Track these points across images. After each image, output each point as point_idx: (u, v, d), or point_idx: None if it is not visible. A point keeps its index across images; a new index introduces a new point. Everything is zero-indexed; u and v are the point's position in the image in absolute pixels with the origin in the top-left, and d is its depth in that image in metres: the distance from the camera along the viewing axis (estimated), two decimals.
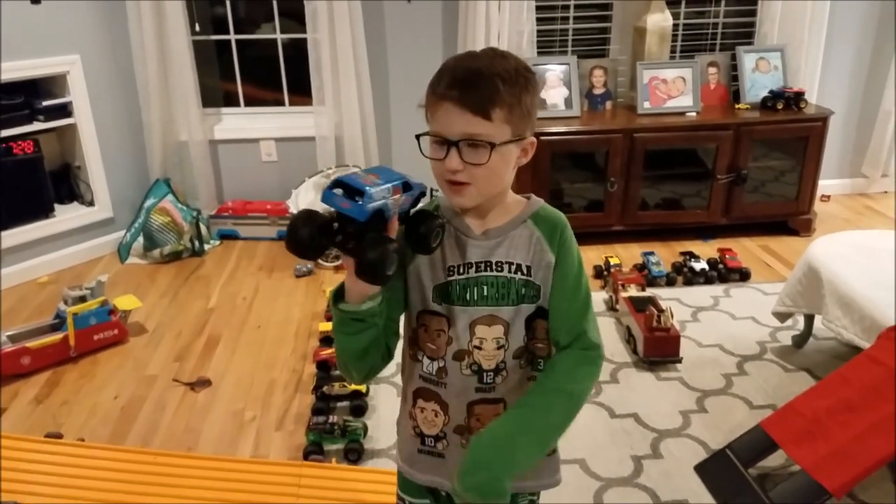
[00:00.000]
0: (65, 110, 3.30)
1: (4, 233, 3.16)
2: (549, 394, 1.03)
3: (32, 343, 2.49)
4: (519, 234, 1.07)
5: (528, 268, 1.06)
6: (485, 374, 1.07)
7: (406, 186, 0.99)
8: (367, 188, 0.91)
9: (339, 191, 0.92)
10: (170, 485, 1.59)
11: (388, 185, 0.94)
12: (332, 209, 0.92)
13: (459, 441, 1.10)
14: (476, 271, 1.06)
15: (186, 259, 3.51)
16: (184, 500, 1.55)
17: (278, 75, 3.85)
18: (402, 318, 1.14)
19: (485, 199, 1.04)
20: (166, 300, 3.11)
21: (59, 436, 1.80)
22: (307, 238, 0.93)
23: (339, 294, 1.01)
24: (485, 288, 1.06)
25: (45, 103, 3.23)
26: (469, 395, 1.09)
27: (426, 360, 1.09)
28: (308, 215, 0.95)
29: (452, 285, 1.06)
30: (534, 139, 1.05)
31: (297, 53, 3.77)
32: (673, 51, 3.86)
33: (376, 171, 0.98)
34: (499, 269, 1.06)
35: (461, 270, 1.06)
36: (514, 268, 1.06)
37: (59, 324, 2.61)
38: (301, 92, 3.83)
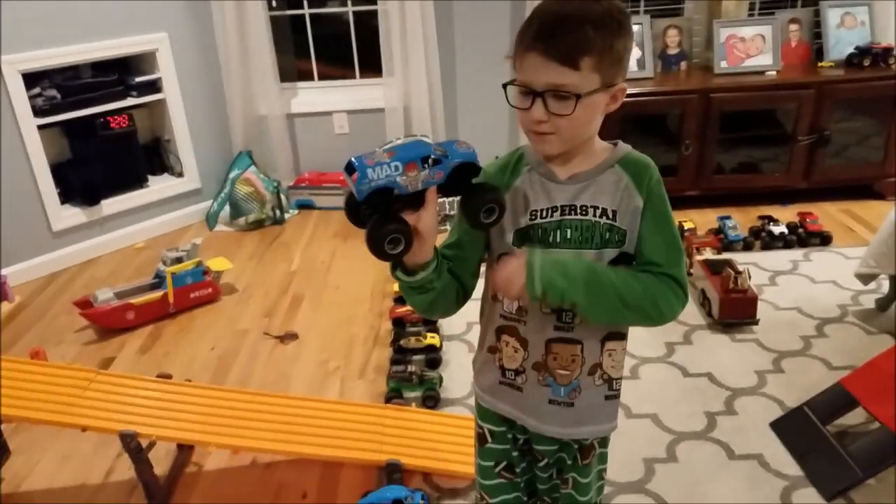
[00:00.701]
0: (154, 86, 3.50)
1: (105, 201, 3.40)
2: (628, 275, 1.06)
3: (136, 300, 2.71)
4: (605, 179, 1.07)
5: (614, 212, 1.06)
6: (563, 314, 1.10)
7: (430, 161, 0.96)
8: (367, 168, 0.92)
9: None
10: (267, 420, 1.73)
11: (396, 163, 0.94)
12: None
13: (537, 377, 1.14)
14: (561, 214, 1.07)
15: (268, 227, 3.70)
16: (279, 433, 1.69)
17: (349, 51, 3.95)
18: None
19: (570, 146, 1.04)
20: (253, 263, 3.29)
21: (169, 376, 1.97)
22: (347, 211, 1.00)
23: (396, 263, 1.04)
24: (568, 231, 1.07)
25: (137, 80, 3.43)
26: (547, 333, 1.12)
27: (506, 301, 1.13)
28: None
29: (535, 228, 1.08)
30: (624, 86, 1.04)
31: (366, 29, 3.86)
32: (752, 7, 3.74)
33: (403, 146, 0.96)
34: (583, 212, 1.06)
35: (545, 214, 1.07)
36: (598, 212, 1.06)
37: (158, 283, 2.82)
38: (370, 67, 3.93)
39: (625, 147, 1.11)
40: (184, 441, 1.76)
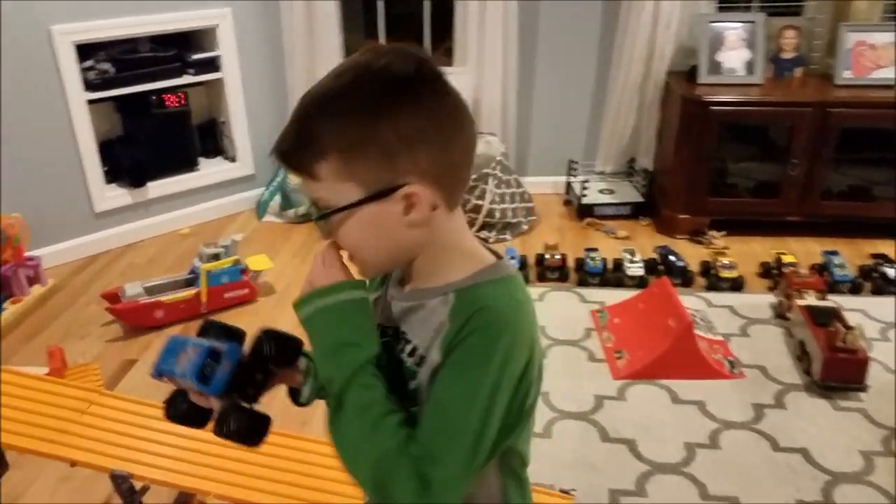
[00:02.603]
0: (213, 64, 3.30)
1: (152, 183, 3.25)
2: (382, 415, 0.72)
3: (166, 297, 2.53)
4: (433, 309, 0.78)
5: (422, 358, 0.77)
6: None
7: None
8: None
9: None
10: (283, 469, 1.48)
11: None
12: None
13: None
14: (393, 335, 0.82)
15: None
16: (296, 486, 1.46)
17: (421, 35, 3.65)
18: None
19: (388, 266, 0.83)
20: (297, 260, 3.08)
21: None
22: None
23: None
24: (403, 354, 0.81)
25: (195, 57, 3.25)
26: None
27: None
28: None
29: (385, 345, 0.83)
30: (417, 189, 0.73)
31: (443, 12, 3.56)
32: (887, 10, 3.23)
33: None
34: (404, 340, 0.81)
35: (384, 332, 0.83)
36: (410, 348, 0.79)
37: (192, 279, 2.64)
38: (443, 53, 3.64)
39: (486, 274, 0.78)
40: (182, 488, 1.54)
